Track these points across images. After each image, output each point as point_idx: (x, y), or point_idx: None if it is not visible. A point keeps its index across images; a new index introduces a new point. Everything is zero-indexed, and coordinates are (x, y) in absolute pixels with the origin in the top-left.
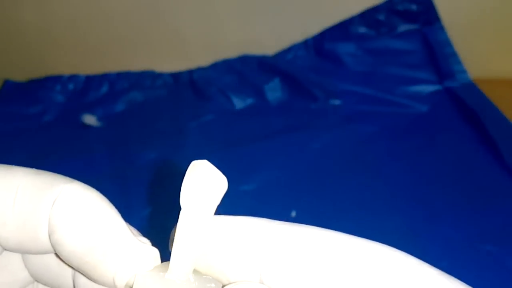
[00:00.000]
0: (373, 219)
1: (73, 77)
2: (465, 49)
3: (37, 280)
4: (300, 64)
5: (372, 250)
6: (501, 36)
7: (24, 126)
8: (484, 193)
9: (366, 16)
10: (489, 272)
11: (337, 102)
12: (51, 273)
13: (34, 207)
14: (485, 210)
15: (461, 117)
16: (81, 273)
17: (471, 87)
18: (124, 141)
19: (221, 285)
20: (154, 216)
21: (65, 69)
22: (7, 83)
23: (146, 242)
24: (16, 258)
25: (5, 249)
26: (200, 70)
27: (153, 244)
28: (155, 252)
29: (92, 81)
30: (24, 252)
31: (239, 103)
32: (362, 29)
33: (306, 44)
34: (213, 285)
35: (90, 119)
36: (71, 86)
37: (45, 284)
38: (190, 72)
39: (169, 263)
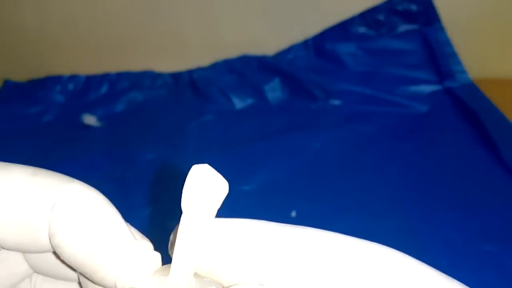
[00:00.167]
0: (373, 218)
1: (73, 77)
2: (465, 49)
3: (37, 272)
4: (300, 64)
5: (370, 251)
6: (501, 36)
7: (24, 126)
8: (484, 193)
9: (366, 16)
10: (489, 272)
11: (337, 102)
12: (53, 266)
13: (34, 209)
14: (485, 210)
15: (461, 117)
16: (83, 275)
17: (471, 87)
18: (124, 141)
19: None
20: (154, 216)
21: (65, 69)
22: (7, 83)
23: (148, 245)
24: (16, 252)
25: (3, 248)
26: (200, 70)
27: (154, 245)
28: (157, 257)
29: (92, 81)
30: (24, 251)
31: (239, 103)
32: (362, 29)
33: (306, 44)
34: (213, 287)
35: (90, 119)
36: (71, 86)
37: (45, 275)
38: (190, 72)
39: (170, 266)
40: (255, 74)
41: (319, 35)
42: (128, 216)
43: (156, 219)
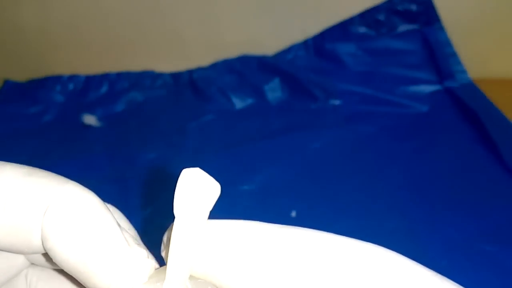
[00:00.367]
0: (373, 218)
1: (73, 77)
2: (465, 49)
3: (34, 263)
4: (300, 64)
5: (366, 252)
6: (501, 36)
7: (24, 126)
8: (484, 193)
9: (366, 16)
10: (489, 272)
11: (337, 102)
12: (49, 258)
13: (27, 212)
14: (485, 210)
15: (461, 117)
16: (76, 279)
17: (471, 87)
18: (124, 141)
19: None
20: (154, 216)
21: (65, 69)
22: (7, 83)
23: (142, 253)
24: None
25: None
26: (200, 70)
27: (154, 245)
28: (151, 265)
29: (92, 81)
30: (16, 252)
31: (239, 103)
32: (362, 29)
33: (306, 44)
34: None
35: (90, 119)
36: (71, 86)
37: (43, 266)
38: (190, 72)
39: (164, 270)
40: (255, 74)
41: (319, 35)
42: (128, 216)
43: (155, 219)
